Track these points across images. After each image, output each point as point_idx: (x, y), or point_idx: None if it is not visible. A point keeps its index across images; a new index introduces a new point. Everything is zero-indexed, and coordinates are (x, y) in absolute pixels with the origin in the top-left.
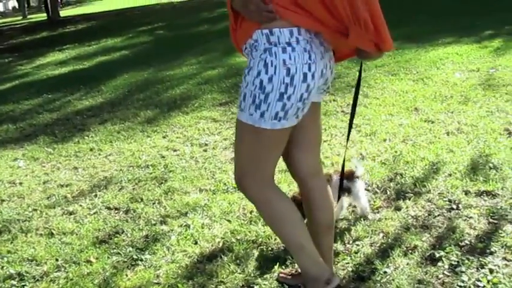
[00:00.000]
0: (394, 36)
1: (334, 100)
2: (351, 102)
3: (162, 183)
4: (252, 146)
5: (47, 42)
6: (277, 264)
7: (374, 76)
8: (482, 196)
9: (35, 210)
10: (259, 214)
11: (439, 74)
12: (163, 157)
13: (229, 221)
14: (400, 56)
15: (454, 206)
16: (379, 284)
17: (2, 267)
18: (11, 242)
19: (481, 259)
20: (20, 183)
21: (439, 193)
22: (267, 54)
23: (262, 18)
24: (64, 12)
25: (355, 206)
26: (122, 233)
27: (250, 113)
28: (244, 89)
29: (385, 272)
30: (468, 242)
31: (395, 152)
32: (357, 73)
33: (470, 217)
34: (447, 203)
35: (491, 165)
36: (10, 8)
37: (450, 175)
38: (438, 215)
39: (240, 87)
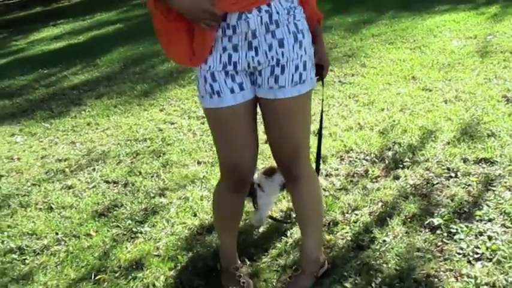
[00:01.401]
0: (390, 4)
1: (331, 70)
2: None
3: (160, 156)
4: (309, 114)
5: (41, 17)
6: (277, 234)
7: (371, 45)
8: (480, 163)
9: (34, 185)
10: (304, 191)
11: (436, 42)
12: (161, 130)
13: None
14: (396, 25)
15: (453, 174)
16: (378, 253)
17: (3, 241)
18: (11, 217)
19: (479, 226)
20: (18, 159)
21: (437, 161)
22: (301, 11)
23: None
24: None
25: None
26: (121, 206)
27: (311, 76)
28: (304, 57)
29: (384, 241)
30: (467, 210)
31: (393, 121)
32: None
33: (469, 185)
34: (445, 171)
35: (489, 132)
36: None
37: (448, 143)
38: (436, 183)
39: (300, 65)
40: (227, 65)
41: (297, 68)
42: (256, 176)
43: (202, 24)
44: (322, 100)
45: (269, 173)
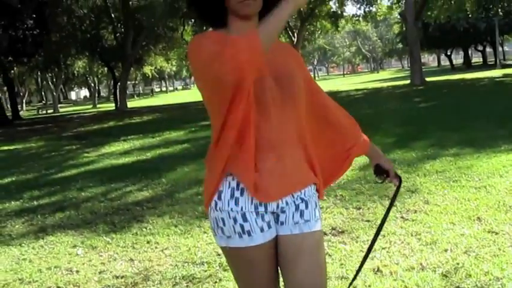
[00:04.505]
0: (455, 140)
1: (393, 206)
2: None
3: (216, 282)
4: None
5: (114, 131)
6: None
7: (435, 182)
8: None
9: None
10: None
11: (503, 182)
12: (219, 255)
13: None
14: (461, 162)
15: None
16: None
17: None
18: None
19: None
20: (77, 271)
21: None
22: None
23: None
24: (131, 103)
25: None
26: None
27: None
28: (316, 197)
29: None
30: None
31: (457, 263)
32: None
33: None
34: None
35: None
36: (82, 97)
37: None
38: None
39: (315, 203)
40: (258, 206)
41: (315, 204)
42: None
43: None
44: (389, 208)
45: None
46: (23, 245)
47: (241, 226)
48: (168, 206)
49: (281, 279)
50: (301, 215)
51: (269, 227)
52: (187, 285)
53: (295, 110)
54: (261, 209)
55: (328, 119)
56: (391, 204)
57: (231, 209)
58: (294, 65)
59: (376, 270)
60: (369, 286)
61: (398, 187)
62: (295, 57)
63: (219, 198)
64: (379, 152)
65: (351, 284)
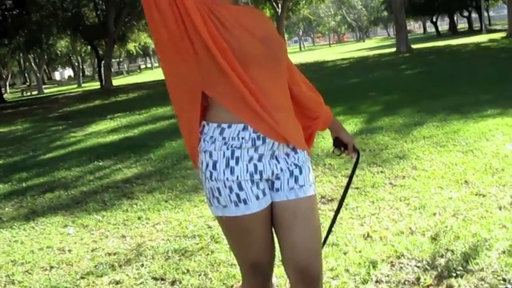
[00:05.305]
0: (441, 106)
1: (381, 172)
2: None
3: (208, 254)
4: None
5: (100, 110)
6: None
7: (422, 147)
8: None
9: (83, 278)
10: None
11: (489, 146)
12: (210, 227)
13: None
14: (448, 127)
15: (509, 286)
16: None
17: None
18: None
19: None
20: (69, 251)
21: (492, 271)
22: None
23: None
24: (116, 81)
25: None
26: None
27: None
28: (309, 163)
29: None
30: None
31: (446, 226)
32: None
33: None
34: (501, 282)
35: None
36: (66, 77)
37: (504, 252)
38: None
39: (308, 168)
40: (254, 174)
41: (309, 169)
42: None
43: None
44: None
45: None
46: (13, 227)
47: (237, 195)
48: (157, 181)
49: (277, 245)
50: (296, 180)
51: (264, 194)
52: (179, 259)
53: (281, 73)
54: (257, 177)
55: (294, 92)
56: (351, 177)
57: (227, 179)
58: (275, 33)
59: (366, 235)
60: (360, 251)
61: (357, 160)
62: (275, 28)
63: (214, 168)
64: (339, 125)
65: (325, 240)
